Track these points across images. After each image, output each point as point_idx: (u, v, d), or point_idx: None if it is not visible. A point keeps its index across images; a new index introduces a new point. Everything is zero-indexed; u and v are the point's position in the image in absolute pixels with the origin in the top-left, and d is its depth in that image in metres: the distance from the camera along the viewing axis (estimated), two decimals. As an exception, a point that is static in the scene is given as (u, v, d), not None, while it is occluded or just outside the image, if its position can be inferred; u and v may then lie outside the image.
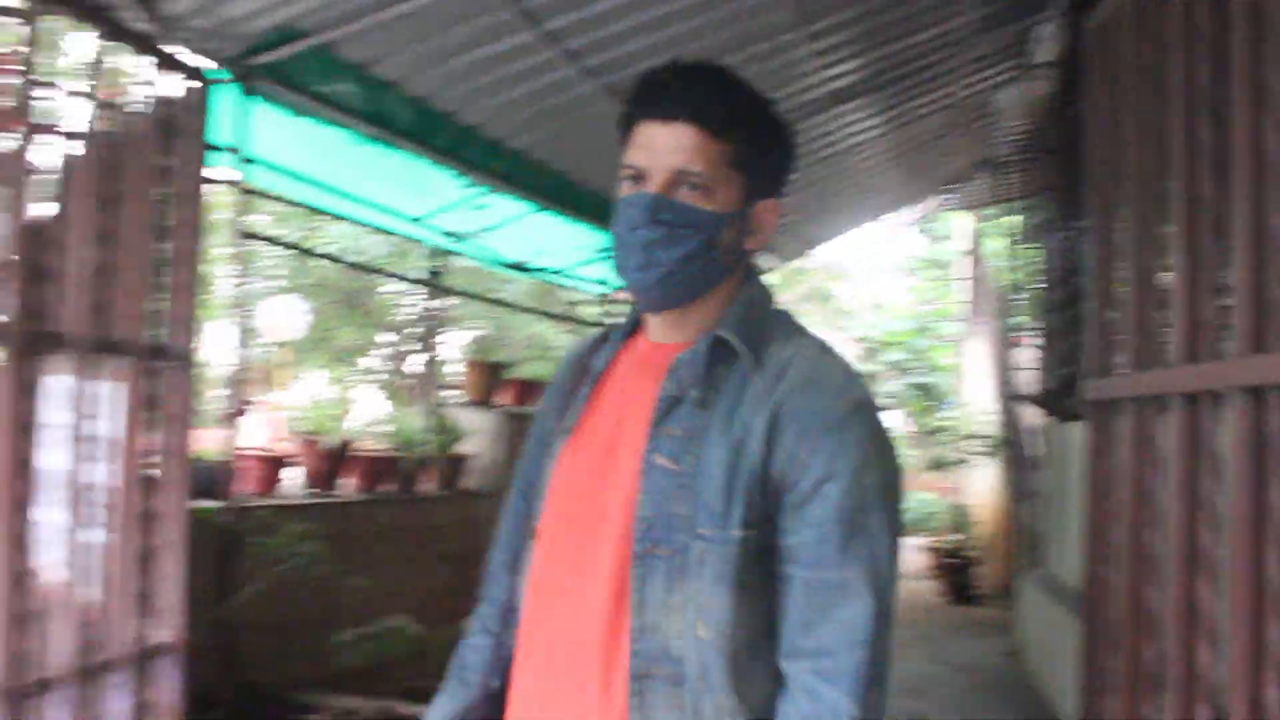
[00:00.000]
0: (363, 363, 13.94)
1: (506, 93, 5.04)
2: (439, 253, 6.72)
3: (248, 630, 4.28)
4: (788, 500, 1.38)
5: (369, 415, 11.99)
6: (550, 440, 1.62)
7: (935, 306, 15.88)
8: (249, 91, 4.22)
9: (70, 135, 2.94)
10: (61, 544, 2.63)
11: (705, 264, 1.44)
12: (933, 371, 14.60)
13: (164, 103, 3.31)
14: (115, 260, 2.89)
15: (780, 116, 1.50)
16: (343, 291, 12.18)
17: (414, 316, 12.73)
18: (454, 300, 7.88)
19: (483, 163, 5.57)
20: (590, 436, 1.55)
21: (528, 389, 7.12)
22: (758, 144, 1.46)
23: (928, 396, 14.27)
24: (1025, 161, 8.12)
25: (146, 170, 3.15)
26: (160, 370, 3.00)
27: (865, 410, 1.41)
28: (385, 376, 13.72)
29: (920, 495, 13.49)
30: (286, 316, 9.95)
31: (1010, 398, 9.32)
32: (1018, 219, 9.04)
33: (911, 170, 8.84)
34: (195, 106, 3.55)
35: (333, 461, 5.27)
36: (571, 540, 1.50)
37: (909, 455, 14.03)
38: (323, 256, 8.81)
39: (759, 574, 1.39)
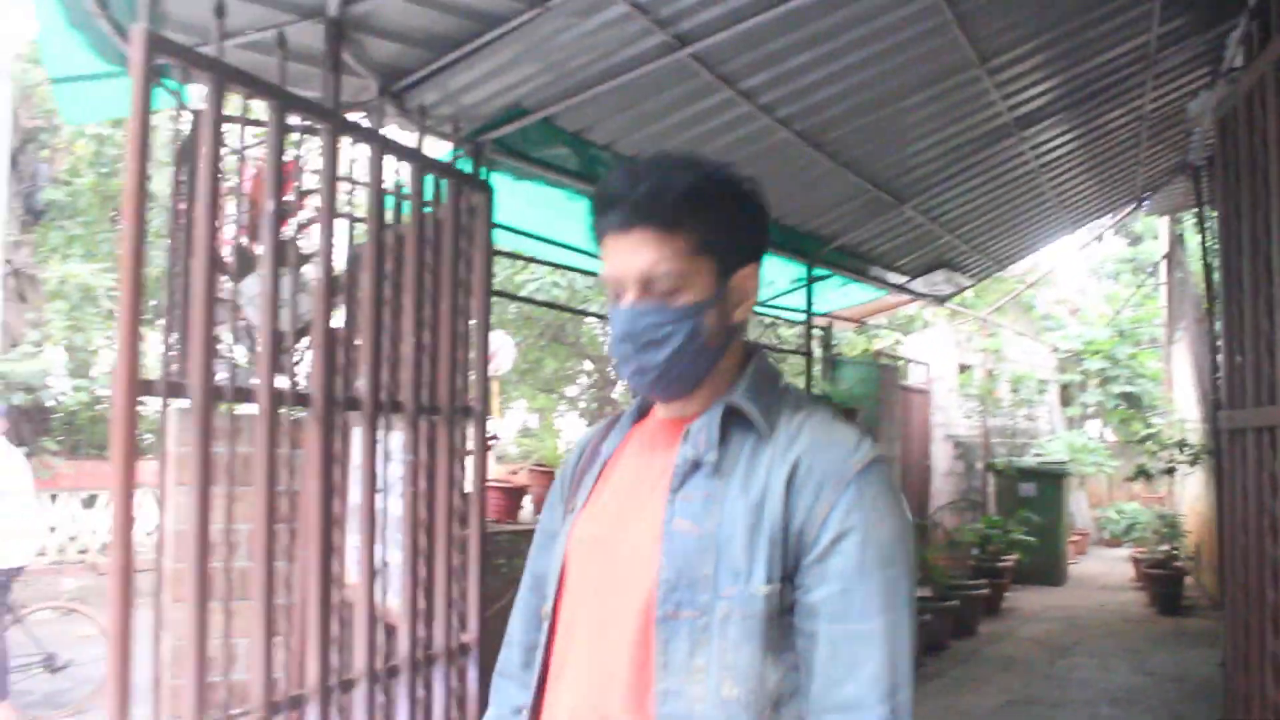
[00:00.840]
0: (568, 391, 14.62)
1: (706, 145, 5.46)
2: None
3: (495, 637, 4.82)
4: (808, 557, 1.39)
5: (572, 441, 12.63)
6: (558, 528, 1.65)
7: (1136, 312, 15.50)
8: (483, 164, 4.78)
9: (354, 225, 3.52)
10: (389, 566, 3.18)
11: (695, 352, 1.47)
12: (1136, 379, 14.28)
13: (451, 198, 3.87)
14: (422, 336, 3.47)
15: (738, 184, 1.49)
16: (547, 324, 12.85)
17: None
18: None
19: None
20: (602, 511, 1.57)
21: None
22: (717, 223, 1.46)
23: (1131, 404, 13.97)
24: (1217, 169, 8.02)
25: (445, 261, 3.73)
26: (463, 424, 3.59)
27: (877, 467, 1.43)
28: (588, 404, 14.33)
29: (1125, 506, 13.24)
30: (496, 351, 10.67)
31: (1215, 405, 9.16)
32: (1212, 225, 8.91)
33: (1106, 180, 8.82)
34: (482, 205, 4.14)
35: (562, 489, 5.78)
36: (589, 614, 1.51)
37: (1111, 465, 13.76)
38: (523, 300, 9.48)
39: (782, 631, 1.40)
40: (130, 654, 2.49)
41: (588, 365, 14.17)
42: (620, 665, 1.43)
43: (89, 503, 11.57)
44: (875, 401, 9.31)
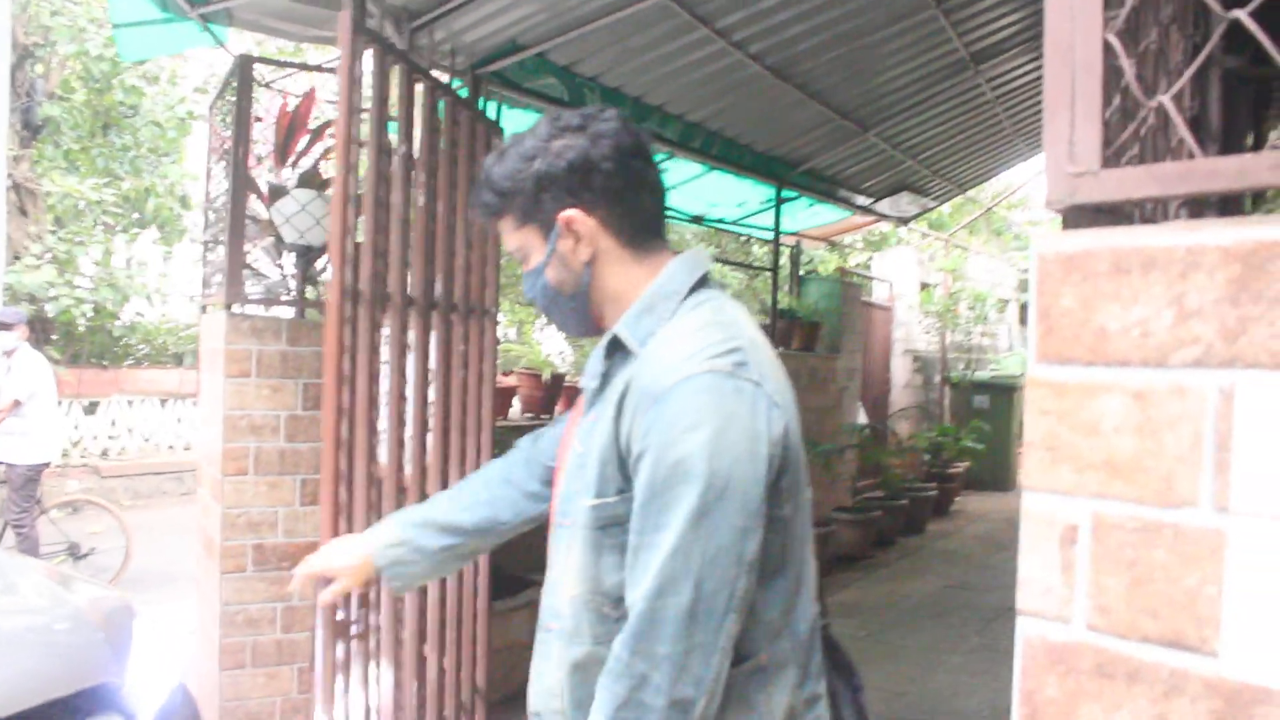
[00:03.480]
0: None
1: (684, 77, 5.98)
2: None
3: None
4: (631, 471, 1.47)
5: (554, 352, 13.24)
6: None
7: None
8: (480, 94, 5.29)
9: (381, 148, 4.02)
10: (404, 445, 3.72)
11: (560, 301, 1.62)
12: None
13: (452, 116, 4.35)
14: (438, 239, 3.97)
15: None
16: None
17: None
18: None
19: (664, 134, 6.55)
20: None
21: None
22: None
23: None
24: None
25: (462, 178, 4.17)
26: (470, 321, 4.05)
27: (695, 380, 1.41)
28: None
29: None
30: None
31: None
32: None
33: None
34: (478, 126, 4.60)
35: (548, 391, 6.39)
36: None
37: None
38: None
39: (618, 538, 1.49)
40: (338, 503, 3.03)
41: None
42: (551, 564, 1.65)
43: (90, 409, 12.05)
44: (838, 316, 9.91)
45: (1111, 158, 1.01)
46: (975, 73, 7.19)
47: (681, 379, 1.40)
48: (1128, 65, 1.00)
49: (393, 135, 3.48)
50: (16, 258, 11.40)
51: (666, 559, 1.37)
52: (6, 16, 10.63)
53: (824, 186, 8.80)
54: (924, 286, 14.25)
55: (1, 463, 7.37)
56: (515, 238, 1.61)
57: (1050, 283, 0.98)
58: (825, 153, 8.10)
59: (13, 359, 7.39)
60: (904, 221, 10.81)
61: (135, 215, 13.61)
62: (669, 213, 1.67)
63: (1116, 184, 0.97)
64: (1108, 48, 0.98)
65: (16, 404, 7.25)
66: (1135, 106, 1.08)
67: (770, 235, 8.84)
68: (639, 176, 1.58)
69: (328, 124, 4.63)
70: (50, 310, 11.37)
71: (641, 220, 1.60)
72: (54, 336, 11.83)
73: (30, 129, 12.28)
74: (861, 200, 9.49)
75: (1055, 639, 0.96)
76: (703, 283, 1.59)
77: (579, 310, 1.62)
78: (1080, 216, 1.03)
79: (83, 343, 12.54)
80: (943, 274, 14.69)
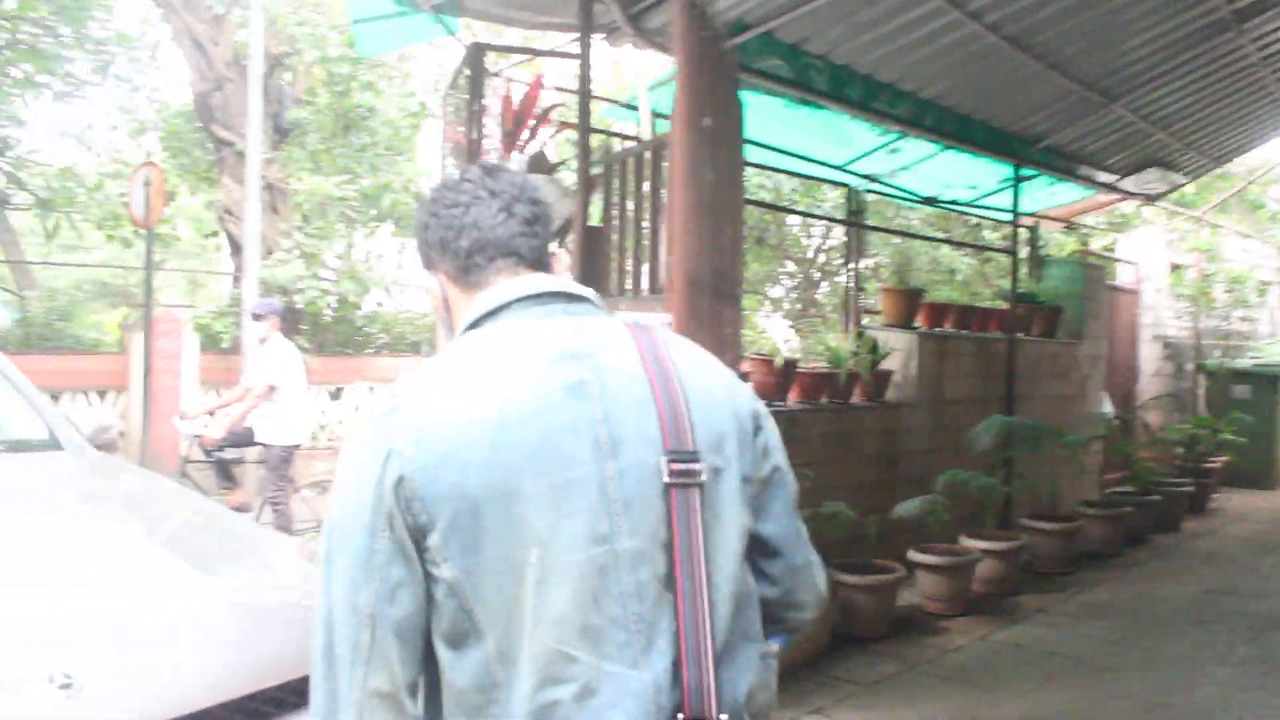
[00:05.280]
0: (772, 292, 14.99)
1: (916, 51, 5.74)
2: (854, 192, 7.62)
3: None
4: None
5: (778, 340, 13.11)
6: None
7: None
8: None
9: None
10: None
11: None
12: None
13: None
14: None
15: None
16: (750, 227, 13.17)
17: (822, 248, 13.65)
18: (864, 233, 8.71)
19: (895, 112, 6.31)
20: None
21: (939, 312, 7.83)
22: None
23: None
24: None
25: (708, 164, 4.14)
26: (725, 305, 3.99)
27: (345, 450, 1.44)
28: (791, 305, 14.69)
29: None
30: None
31: None
32: None
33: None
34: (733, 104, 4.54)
35: (780, 377, 6.26)
36: None
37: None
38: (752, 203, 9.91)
39: None
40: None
41: (790, 266, 14.51)
42: None
43: (335, 395, 12.75)
44: (1080, 300, 9.37)
45: None
46: (1238, 33, 6.62)
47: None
48: None
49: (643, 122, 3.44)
50: (269, 253, 12.14)
51: (318, 601, 1.38)
52: (259, 31, 11.32)
53: (1064, 164, 8.32)
54: (1174, 268, 13.32)
55: (259, 444, 7.89)
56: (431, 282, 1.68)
57: None
58: (1066, 128, 7.64)
59: (265, 347, 7.88)
60: (1151, 200, 10.12)
61: (373, 211, 14.28)
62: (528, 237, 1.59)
63: None
64: None
65: (271, 389, 7.72)
66: None
67: (1007, 216, 8.43)
68: (452, 223, 1.58)
69: (553, 108, 4.66)
70: (299, 302, 12.06)
71: (461, 262, 1.58)
72: (303, 326, 12.53)
73: (280, 132, 13.06)
74: (1104, 178, 8.94)
75: None
76: (497, 312, 1.51)
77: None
78: None
79: (328, 332, 13.25)
80: (1195, 254, 13.69)
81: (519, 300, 1.50)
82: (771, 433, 1.59)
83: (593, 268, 4.14)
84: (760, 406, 1.59)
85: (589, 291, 1.59)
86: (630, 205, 4.35)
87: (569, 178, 5.08)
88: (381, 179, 14.10)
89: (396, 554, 1.32)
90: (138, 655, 2.13)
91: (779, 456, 1.59)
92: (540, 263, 1.60)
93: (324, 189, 12.72)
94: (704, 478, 1.40)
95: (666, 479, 1.38)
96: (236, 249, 12.43)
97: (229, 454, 8.30)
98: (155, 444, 10.17)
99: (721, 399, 1.50)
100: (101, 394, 10.55)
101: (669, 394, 1.43)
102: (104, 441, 3.55)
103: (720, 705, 1.35)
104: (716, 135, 3.84)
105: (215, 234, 15.34)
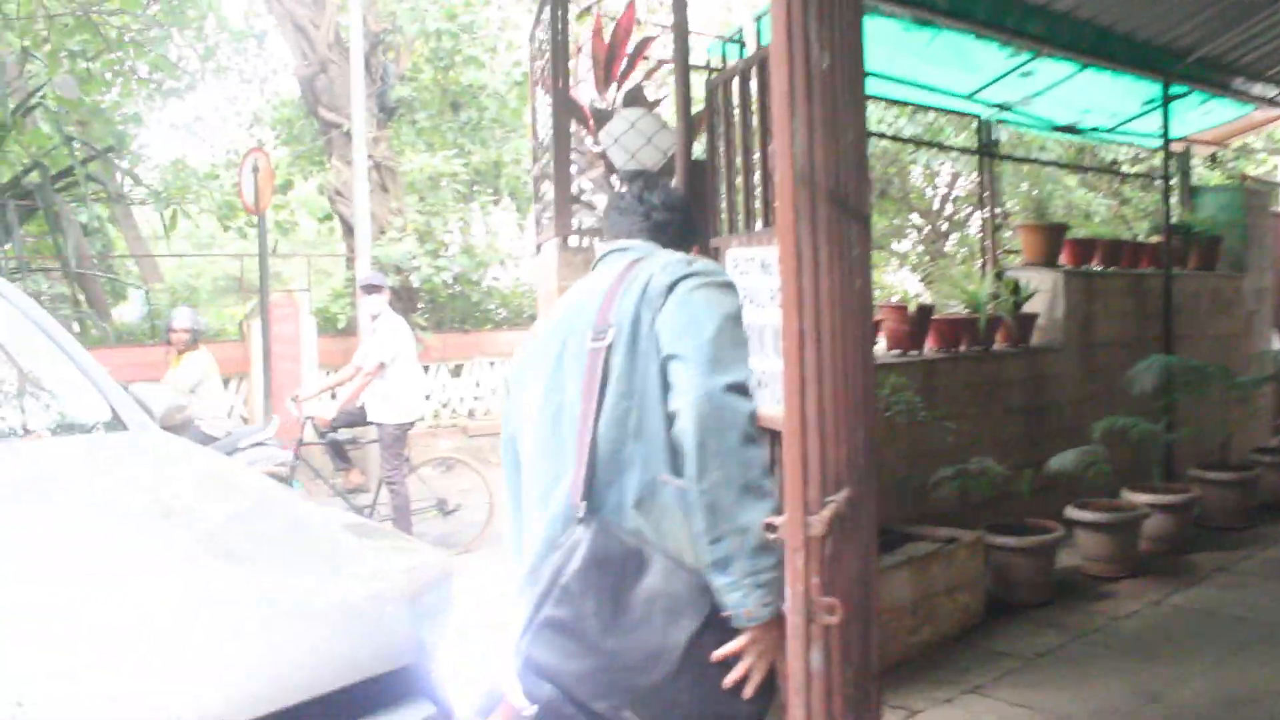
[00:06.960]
0: (897, 246, 14.39)
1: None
2: (985, 124, 7.00)
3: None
4: None
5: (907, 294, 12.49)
6: None
7: None
8: None
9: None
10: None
11: None
12: None
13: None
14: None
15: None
16: (874, 179, 12.61)
17: (948, 196, 12.95)
18: (998, 169, 8.08)
19: (1028, 29, 5.72)
20: None
21: (1085, 248, 7.19)
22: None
23: None
24: None
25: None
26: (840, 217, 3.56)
27: None
28: (919, 258, 14.05)
29: None
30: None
31: None
32: None
33: None
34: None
35: (915, 325, 5.77)
36: None
37: None
38: (874, 135, 9.34)
39: None
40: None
41: (916, 219, 13.87)
42: None
43: (455, 372, 12.64)
44: (1242, 230, 8.57)
45: None
46: None
47: None
48: None
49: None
50: (382, 232, 12.04)
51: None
52: (359, 9, 11.15)
53: (1219, 77, 7.55)
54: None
55: (372, 423, 7.70)
56: None
57: None
58: (1221, 35, 6.89)
59: (377, 323, 7.67)
60: (1318, 114, 9.20)
61: (489, 188, 14.15)
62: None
63: None
64: None
65: (381, 367, 7.51)
66: None
67: (1155, 143, 7.70)
68: None
69: (648, 40, 4.25)
70: (414, 280, 11.94)
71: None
72: (419, 304, 12.43)
73: (385, 111, 12.94)
74: (1267, 90, 8.09)
75: None
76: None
77: None
78: None
79: (445, 309, 13.14)
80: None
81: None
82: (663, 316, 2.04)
83: (699, 206, 3.73)
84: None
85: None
86: (738, 132, 3.94)
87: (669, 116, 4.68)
88: (492, 154, 13.94)
89: None
90: (100, 676, 1.70)
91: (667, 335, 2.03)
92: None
93: (433, 166, 12.57)
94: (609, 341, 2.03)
95: (590, 345, 2.05)
96: (348, 230, 12.38)
97: (342, 434, 8.16)
98: (279, 428, 10.17)
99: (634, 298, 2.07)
100: (225, 381, 10.58)
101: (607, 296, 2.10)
102: (177, 422, 3.33)
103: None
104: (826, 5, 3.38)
105: (330, 218, 15.43)
